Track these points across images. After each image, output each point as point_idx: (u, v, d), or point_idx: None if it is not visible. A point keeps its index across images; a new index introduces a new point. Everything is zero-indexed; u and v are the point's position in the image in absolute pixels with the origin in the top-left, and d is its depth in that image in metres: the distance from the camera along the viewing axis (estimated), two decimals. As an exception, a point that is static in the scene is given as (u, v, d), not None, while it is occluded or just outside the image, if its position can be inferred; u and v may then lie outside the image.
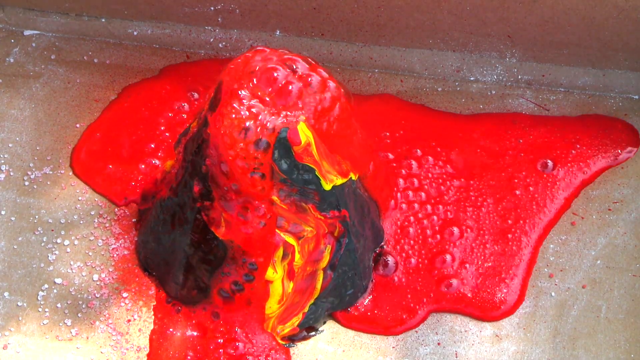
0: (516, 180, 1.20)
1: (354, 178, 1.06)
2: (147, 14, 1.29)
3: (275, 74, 1.00)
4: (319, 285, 1.08)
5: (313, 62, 1.01)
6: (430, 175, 1.20)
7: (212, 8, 1.27)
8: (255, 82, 1.02)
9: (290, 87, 1.00)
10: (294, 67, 1.00)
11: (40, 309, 1.12)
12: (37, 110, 1.24)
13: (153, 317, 1.11)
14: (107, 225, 1.17)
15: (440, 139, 1.23)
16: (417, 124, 1.24)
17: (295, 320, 1.10)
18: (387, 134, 1.23)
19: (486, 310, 1.12)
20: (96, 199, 1.18)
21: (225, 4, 1.26)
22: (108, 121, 1.23)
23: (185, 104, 1.24)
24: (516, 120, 1.25)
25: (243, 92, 1.02)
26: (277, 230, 1.02)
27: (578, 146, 1.23)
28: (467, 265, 1.14)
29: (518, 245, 1.16)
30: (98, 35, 1.30)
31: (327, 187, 1.02)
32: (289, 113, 1.00)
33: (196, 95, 1.25)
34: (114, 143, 1.22)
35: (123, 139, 1.22)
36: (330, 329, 1.12)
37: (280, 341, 1.10)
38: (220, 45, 1.30)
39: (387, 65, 1.29)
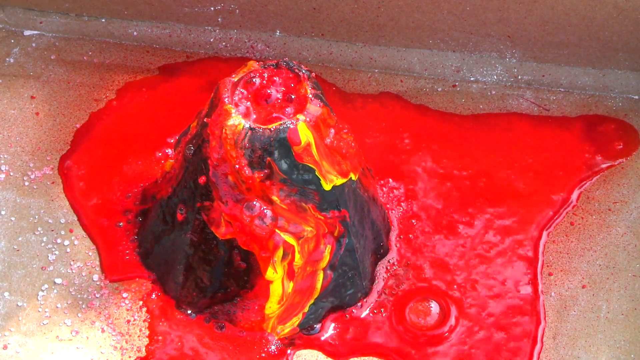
0: (517, 181, 1.20)
1: (354, 178, 1.06)
2: (147, 14, 1.29)
3: (272, 85, 1.01)
4: (319, 285, 1.08)
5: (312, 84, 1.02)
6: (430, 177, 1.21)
7: (212, 8, 1.27)
8: (254, 86, 1.02)
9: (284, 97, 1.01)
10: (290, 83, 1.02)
11: (40, 309, 1.12)
12: (37, 111, 1.24)
13: (153, 317, 1.11)
14: (107, 225, 1.17)
15: (441, 139, 1.23)
16: (417, 124, 1.24)
17: (295, 320, 1.10)
18: (386, 134, 1.23)
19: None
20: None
21: (225, 4, 1.26)
22: (104, 122, 1.24)
23: (185, 103, 1.24)
24: (516, 120, 1.25)
25: (242, 94, 1.02)
26: (277, 230, 1.02)
27: (578, 146, 1.23)
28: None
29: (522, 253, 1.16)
30: (98, 35, 1.30)
31: (327, 187, 1.02)
32: (285, 115, 1.01)
33: (196, 95, 1.25)
34: (108, 145, 1.22)
35: (120, 139, 1.22)
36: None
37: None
38: (220, 45, 1.30)
39: (387, 65, 1.29)
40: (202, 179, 1.02)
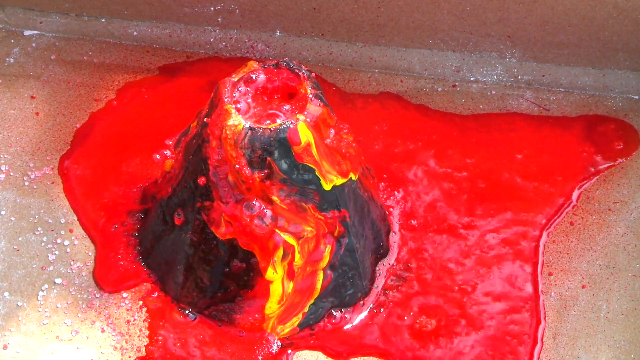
0: (517, 181, 1.20)
1: (354, 178, 1.06)
2: (147, 14, 1.29)
3: (272, 84, 1.01)
4: (319, 285, 1.08)
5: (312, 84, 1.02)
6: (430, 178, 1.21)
7: (212, 8, 1.27)
8: (254, 86, 1.02)
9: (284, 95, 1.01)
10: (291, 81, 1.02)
11: (40, 309, 1.12)
12: (37, 111, 1.24)
13: (153, 317, 1.11)
14: (107, 225, 1.17)
15: (440, 139, 1.23)
16: (417, 124, 1.24)
17: (295, 320, 1.10)
18: (386, 134, 1.23)
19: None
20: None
21: (225, 4, 1.27)
22: (104, 122, 1.24)
23: (185, 103, 1.24)
24: (516, 120, 1.25)
25: (242, 94, 1.02)
26: (277, 230, 1.02)
27: (578, 146, 1.23)
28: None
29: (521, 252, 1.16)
30: (98, 35, 1.31)
31: (327, 187, 1.02)
32: (285, 115, 1.01)
33: (196, 95, 1.25)
34: (108, 145, 1.22)
35: (120, 139, 1.22)
36: (330, 329, 1.13)
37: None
38: (220, 45, 1.30)
39: (387, 65, 1.29)
40: (201, 180, 1.02)
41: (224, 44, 1.30)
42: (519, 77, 1.28)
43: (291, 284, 1.06)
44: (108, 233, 1.16)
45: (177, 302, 1.12)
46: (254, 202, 1.01)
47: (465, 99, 1.26)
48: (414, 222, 1.17)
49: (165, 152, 1.20)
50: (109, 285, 1.12)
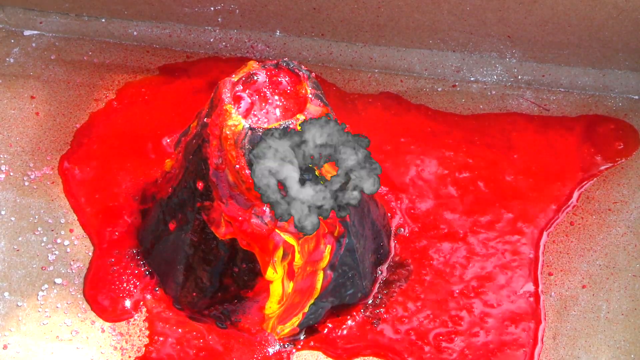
0: (517, 181, 1.20)
1: (354, 178, 1.06)
2: (147, 14, 1.29)
3: (272, 84, 1.01)
4: (319, 285, 1.08)
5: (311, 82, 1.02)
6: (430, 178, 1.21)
7: (212, 8, 1.27)
8: (254, 86, 1.02)
9: (285, 95, 1.01)
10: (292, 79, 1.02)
11: (40, 309, 1.12)
12: (37, 111, 1.24)
13: (153, 317, 1.11)
14: (107, 225, 1.17)
15: (440, 139, 1.23)
16: (417, 124, 1.24)
17: (295, 320, 1.10)
18: (386, 134, 1.23)
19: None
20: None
21: (225, 4, 1.27)
22: (104, 122, 1.24)
23: (185, 103, 1.24)
24: (516, 120, 1.25)
25: (242, 94, 1.02)
26: (277, 230, 1.02)
27: (578, 146, 1.23)
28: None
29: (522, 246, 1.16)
30: (98, 35, 1.31)
31: (327, 187, 1.02)
32: (286, 115, 1.01)
33: (196, 95, 1.25)
34: (108, 145, 1.22)
35: (120, 139, 1.22)
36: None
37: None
38: (220, 45, 1.30)
39: (387, 65, 1.29)
40: (200, 184, 1.02)
41: (224, 44, 1.30)
42: (519, 77, 1.28)
43: (291, 284, 1.06)
44: (107, 233, 1.16)
45: (177, 302, 1.12)
46: (255, 202, 1.01)
47: (465, 99, 1.27)
48: (413, 222, 1.17)
49: (167, 151, 1.20)
50: (102, 313, 1.12)
